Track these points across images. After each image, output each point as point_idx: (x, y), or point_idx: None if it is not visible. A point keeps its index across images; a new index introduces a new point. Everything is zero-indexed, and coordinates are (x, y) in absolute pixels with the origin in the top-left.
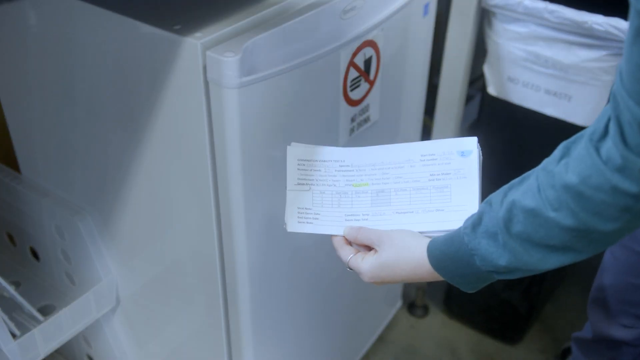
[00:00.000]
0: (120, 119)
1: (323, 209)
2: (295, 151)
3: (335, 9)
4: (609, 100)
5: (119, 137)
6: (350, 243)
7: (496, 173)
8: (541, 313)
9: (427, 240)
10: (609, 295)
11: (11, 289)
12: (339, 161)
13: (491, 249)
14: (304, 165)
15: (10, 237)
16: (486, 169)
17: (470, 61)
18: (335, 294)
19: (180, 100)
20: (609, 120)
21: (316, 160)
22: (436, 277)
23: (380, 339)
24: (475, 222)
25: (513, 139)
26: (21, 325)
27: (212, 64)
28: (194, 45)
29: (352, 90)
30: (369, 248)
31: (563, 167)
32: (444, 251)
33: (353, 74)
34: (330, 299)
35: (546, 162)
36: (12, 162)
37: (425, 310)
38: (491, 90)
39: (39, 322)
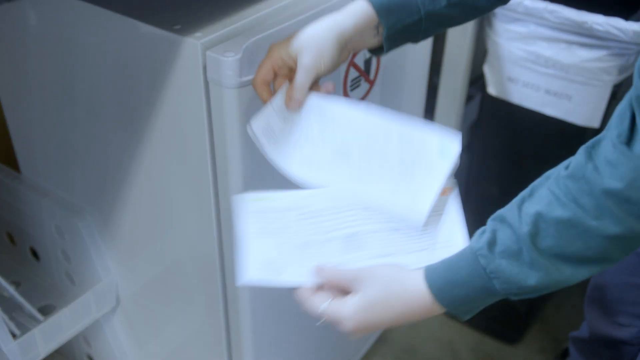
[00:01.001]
0: (120, 119)
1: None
2: (247, 207)
3: (335, 9)
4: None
5: (119, 137)
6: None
7: (496, 173)
8: (541, 313)
9: (419, 271)
10: (605, 294)
11: (11, 289)
12: (296, 209)
13: (515, 269)
14: (260, 216)
15: (10, 237)
16: (486, 169)
17: (470, 61)
18: None
19: (181, 100)
20: (631, 121)
21: (271, 213)
22: (433, 311)
23: (380, 339)
24: (490, 242)
25: (513, 139)
26: (21, 325)
27: (212, 64)
28: (194, 45)
29: (352, 90)
30: (342, 294)
31: (594, 172)
32: (450, 279)
33: (353, 74)
34: None
35: (572, 169)
36: (12, 162)
37: None
38: (491, 90)
39: (39, 322)
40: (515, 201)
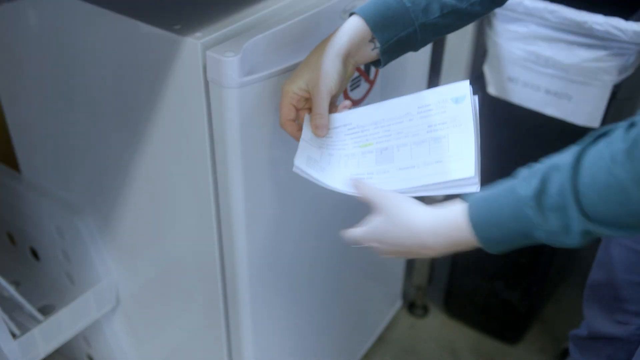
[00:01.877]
0: (121, 118)
1: (330, 166)
2: (309, 119)
3: (335, 9)
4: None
5: (119, 137)
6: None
7: (496, 173)
8: (541, 313)
9: (462, 206)
10: (603, 291)
11: (11, 289)
12: (347, 125)
13: (561, 223)
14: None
15: (10, 237)
16: (485, 170)
17: (470, 61)
18: (336, 294)
19: (181, 100)
20: None
21: (328, 128)
22: (467, 244)
23: (380, 339)
24: (539, 191)
25: (513, 139)
26: (21, 325)
27: (212, 64)
28: (194, 45)
29: (352, 90)
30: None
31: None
32: (493, 222)
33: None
34: (330, 298)
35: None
36: (12, 162)
37: (425, 310)
38: (491, 90)
39: (39, 322)
40: (572, 152)
